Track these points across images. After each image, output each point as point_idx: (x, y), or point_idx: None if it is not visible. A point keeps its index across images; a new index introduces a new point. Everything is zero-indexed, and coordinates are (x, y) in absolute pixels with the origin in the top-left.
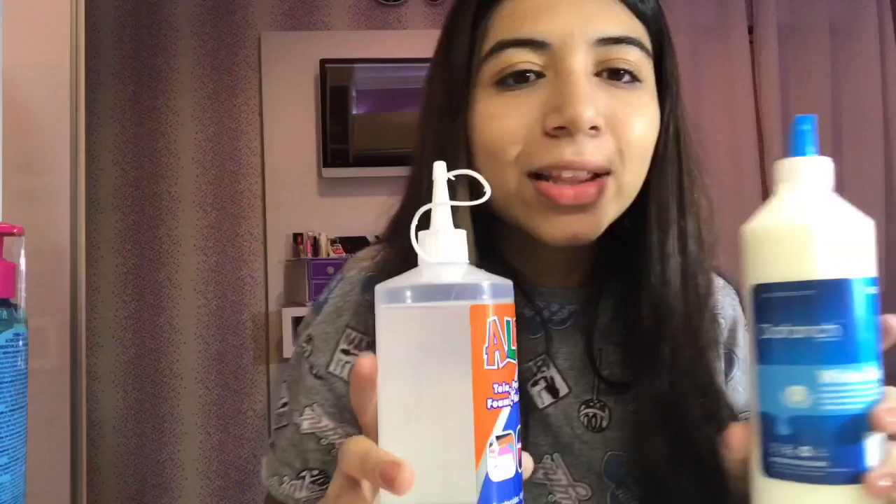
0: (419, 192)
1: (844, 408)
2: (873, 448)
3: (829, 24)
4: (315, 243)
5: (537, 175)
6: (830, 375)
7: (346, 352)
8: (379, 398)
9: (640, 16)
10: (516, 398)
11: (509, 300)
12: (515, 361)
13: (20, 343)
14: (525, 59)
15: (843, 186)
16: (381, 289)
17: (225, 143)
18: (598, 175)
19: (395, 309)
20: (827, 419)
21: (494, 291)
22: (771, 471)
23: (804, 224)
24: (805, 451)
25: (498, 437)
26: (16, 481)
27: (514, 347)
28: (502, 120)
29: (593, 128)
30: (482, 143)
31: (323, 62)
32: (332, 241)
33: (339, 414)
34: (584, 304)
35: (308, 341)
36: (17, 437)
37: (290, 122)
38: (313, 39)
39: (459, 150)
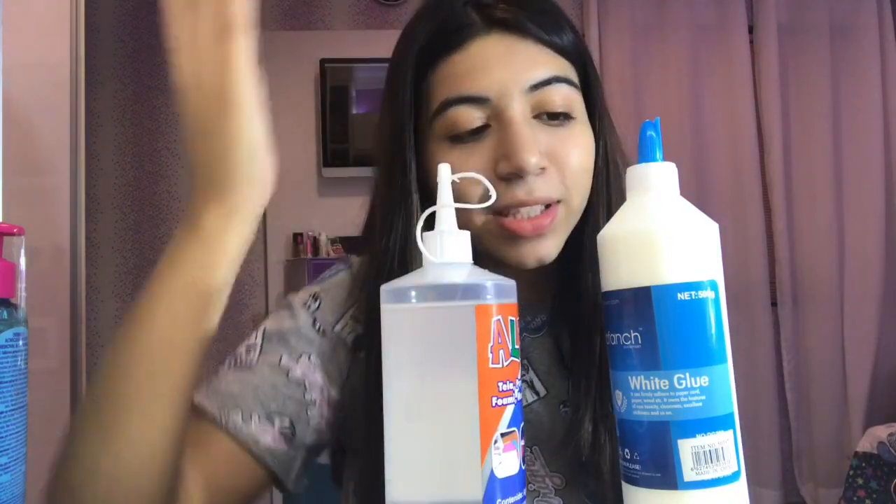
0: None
1: (651, 414)
2: (685, 454)
3: (829, 24)
4: (315, 243)
5: (497, 212)
6: (637, 381)
7: (356, 319)
8: (384, 397)
9: (562, 52)
10: (519, 396)
11: (512, 300)
12: (518, 360)
13: (20, 343)
14: (470, 115)
15: (844, 186)
16: (386, 289)
17: None
18: (549, 205)
19: (400, 309)
20: (636, 423)
21: (498, 291)
22: (622, 472)
23: (627, 234)
24: (627, 453)
25: (502, 435)
26: (16, 481)
27: (517, 346)
28: (461, 169)
29: (541, 168)
30: None
31: (323, 62)
32: (332, 241)
33: (334, 373)
34: (552, 313)
35: (314, 298)
36: (17, 437)
37: (290, 122)
38: (313, 39)
39: (409, 194)
